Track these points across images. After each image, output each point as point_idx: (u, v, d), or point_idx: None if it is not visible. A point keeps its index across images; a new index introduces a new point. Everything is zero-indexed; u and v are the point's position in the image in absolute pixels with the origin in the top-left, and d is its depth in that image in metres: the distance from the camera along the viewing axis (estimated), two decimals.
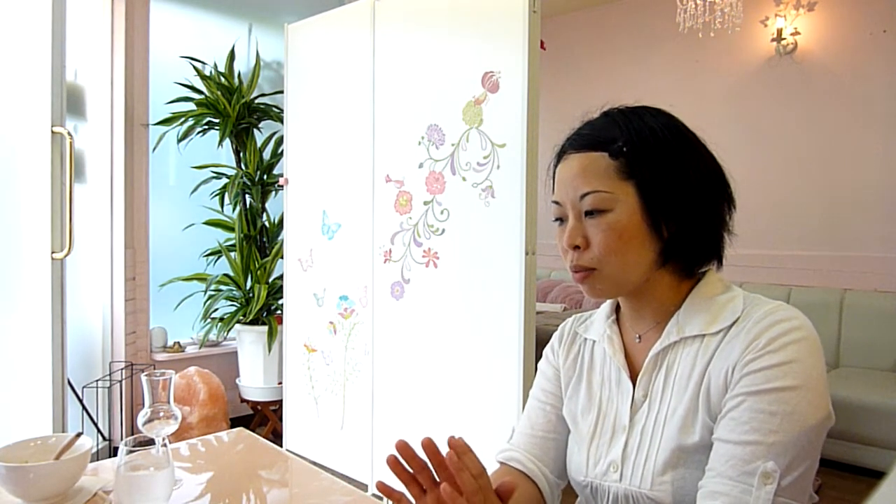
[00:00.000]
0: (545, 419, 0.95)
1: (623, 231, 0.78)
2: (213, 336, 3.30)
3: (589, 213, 0.80)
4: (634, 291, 0.84)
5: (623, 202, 0.78)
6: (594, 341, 0.92)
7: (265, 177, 3.35)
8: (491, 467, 0.95)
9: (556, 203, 0.85)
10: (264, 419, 3.31)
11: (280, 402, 3.04)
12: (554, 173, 0.87)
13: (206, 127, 3.25)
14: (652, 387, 0.82)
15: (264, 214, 3.36)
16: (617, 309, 0.92)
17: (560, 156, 0.86)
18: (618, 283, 0.81)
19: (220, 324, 3.15)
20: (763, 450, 0.68)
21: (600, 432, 0.86)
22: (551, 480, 0.93)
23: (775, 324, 0.73)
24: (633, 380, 0.84)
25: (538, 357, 1.03)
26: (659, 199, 0.78)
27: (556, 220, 0.85)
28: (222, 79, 3.28)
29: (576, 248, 0.81)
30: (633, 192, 0.78)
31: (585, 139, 0.83)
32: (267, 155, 3.40)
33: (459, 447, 0.71)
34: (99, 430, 2.88)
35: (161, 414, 1.07)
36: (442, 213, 2.09)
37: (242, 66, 3.53)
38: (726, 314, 0.78)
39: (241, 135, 3.31)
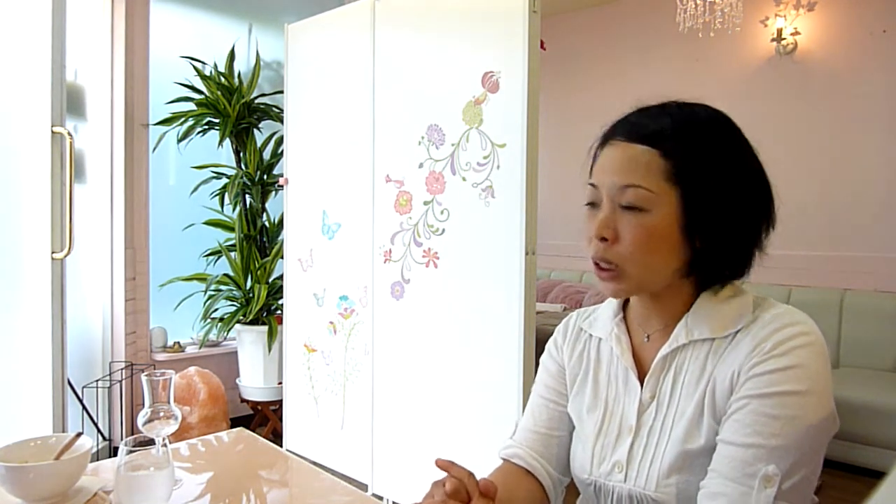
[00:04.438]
0: (548, 416, 0.94)
1: (656, 234, 0.76)
2: (213, 336, 3.30)
3: (626, 207, 0.77)
4: (653, 294, 0.83)
5: (663, 205, 0.76)
6: (600, 339, 0.92)
7: (265, 177, 3.35)
8: (493, 465, 0.95)
9: (593, 186, 0.82)
10: (264, 419, 3.30)
11: (280, 402, 3.04)
12: (596, 154, 0.84)
13: (206, 127, 3.25)
14: (660, 389, 0.81)
15: (264, 214, 3.36)
16: (623, 306, 0.91)
17: (608, 139, 0.82)
18: (639, 285, 0.80)
19: (220, 324, 3.15)
20: (765, 453, 0.68)
21: (606, 431, 0.85)
22: (554, 477, 0.93)
23: (782, 328, 0.73)
24: (641, 380, 0.83)
25: (538, 357, 1.02)
26: (700, 211, 0.76)
27: (589, 203, 0.82)
28: (222, 79, 3.28)
29: (603, 239, 0.78)
30: (676, 199, 0.76)
31: (639, 130, 0.79)
32: (267, 155, 3.40)
33: (444, 463, 0.79)
34: (99, 430, 2.88)
35: (161, 414, 1.07)
36: (442, 213, 2.09)
37: (242, 66, 3.53)
38: (736, 318, 0.77)
39: (241, 135, 3.31)
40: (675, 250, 0.78)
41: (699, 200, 0.76)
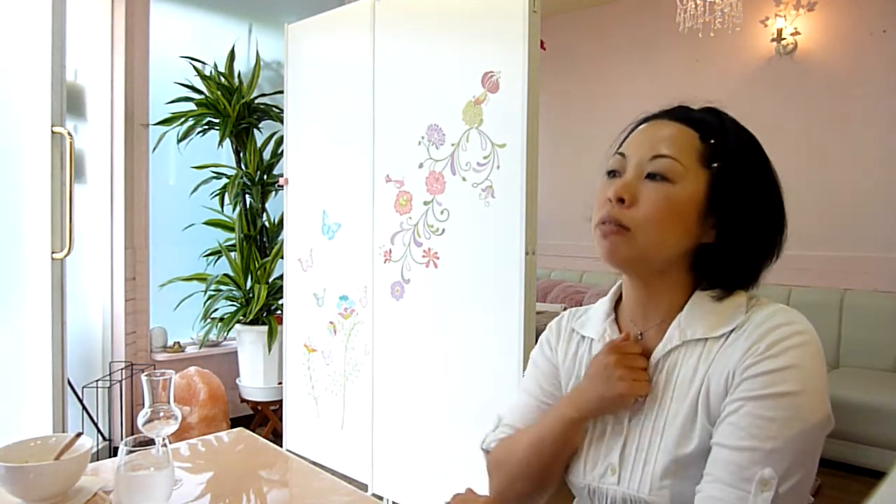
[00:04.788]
0: (538, 416, 0.92)
1: (675, 207, 0.76)
2: (213, 336, 3.30)
3: (651, 176, 0.78)
4: (648, 280, 0.82)
5: (690, 182, 0.77)
6: (592, 339, 0.90)
7: (265, 177, 3.35)
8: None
9: (620, 155, 0.82)
10: (264, 419, 3.31)
11: (280, 402, 3.04)
12: (629, 132, 0.86)
13: (206, 127, 3.25)
14: (651, 390, 0.80)
15: (264, 214, 3.36)
16: (615, 307, 0.91)
17: (647, 119, 0.85)
18: (642, 254, 0.78)
19: (220, 324, 3.15)
20: (761, 456, 0.68)
21: (599, 434, 0.84)
22: None
23: (776, 328, 0.72)
24: None
25: None
26: (724, 199, 0.78)
27: (610, 172, 0.82)
28: (222, 79, 3.28)
29: (621, 201, 0.78)
30: (704, 180, 0.77)
31: (684, 113, 0.82)
32: (267, 155, 3.40)
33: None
34: (99, 430, 2.88)
35: (161, 414, 1.07)
36: (442, 213, 2.09)
37: (242, 66, 3.53)
38: (729, 318, 0.77)
39: (241, 135, 3.31)
40: (689, 231, 0.78)
41: (725, 189, 0.78)
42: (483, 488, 0.86)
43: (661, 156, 0.78)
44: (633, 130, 0.85)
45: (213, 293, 3.20)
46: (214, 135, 3.25)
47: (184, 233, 3.29)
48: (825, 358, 0.74)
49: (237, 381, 3.28)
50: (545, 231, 2.03)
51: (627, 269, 0.83)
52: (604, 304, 0.92)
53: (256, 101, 3.33)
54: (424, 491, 2.13)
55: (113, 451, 2.92)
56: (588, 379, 0.83)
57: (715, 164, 0.78)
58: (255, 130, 3.36)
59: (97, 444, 2.88)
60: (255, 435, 1.39)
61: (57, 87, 1.76)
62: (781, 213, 0.82)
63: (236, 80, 3.34)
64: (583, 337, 0.92)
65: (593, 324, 0.91)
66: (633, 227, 0.77)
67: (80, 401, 2.75)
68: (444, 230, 2.09)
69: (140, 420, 1.06)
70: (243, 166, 3.33)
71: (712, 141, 0.78)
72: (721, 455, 0.70)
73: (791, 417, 0.68)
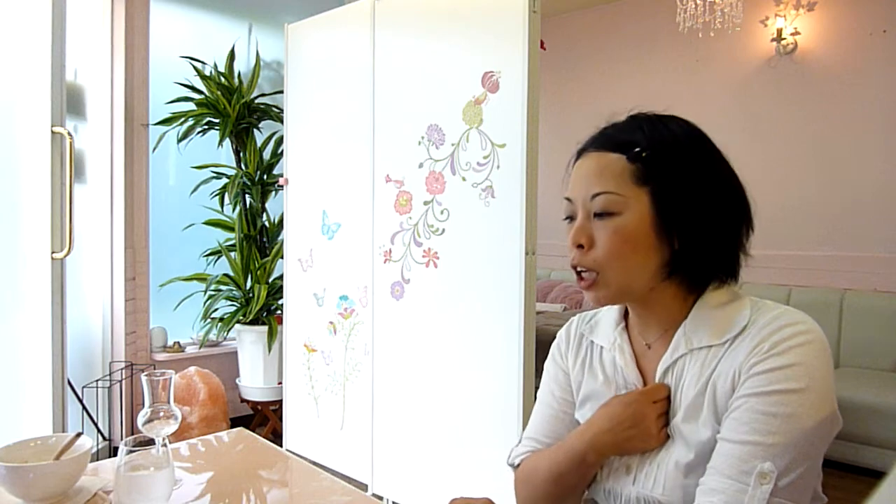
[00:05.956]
0: (556, 425, 0.94)
1: (629, 236, 0.78)
2: (213, 336, 3.30)
3: (598, 215, 0.80)
4: (640, 300, 0.83)
5: (633, 208, 0.78)
6: (602, 346, 0.91)
7: (265, 177, 3.35)
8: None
9: (568, 200, 0.84)
10: (264, 419, 3.31)
11: (280, 402, 3.04)
12: (570, 170, 0.87)
13: (206, 127, 3.25)
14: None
15: (264, 214, 3.36)
16: (625, 314, 0.91)
17: (580, 153, 0.86)
18: (620, 290, 0.80)
19: (220, 324, 3.15)
20: (761, 450, 0.68)
21: None
22: None
23: (781, 328, 0.73)
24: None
25: (538, 357, 1.02)
26: (672, 208, 0.78)
27: (567, 217, 0.85)
28: (222, 79, 3.28)
29: (580, 246, 0.81)
30: (646, 199, 0.78)
31: (607, 139, 0.83)
32: (267, 155, 3.40)
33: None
34: (99, 430, 2.88)
35: (161, 414, 1.07)
36: (442, 213, 2.09)
37: (242, 66, 3.53)
38: (733, 324, 0.77)
39: (241, 135, 3.31)
40: (651, 251, 0.79)
41: (669, 198, 0.78)
42: (480, 490, 0.86)
43: (598, 193, 0.79)
44: (572, 166, 0.87)
45: (213, 293, 3.19)
46: (214, 135, 3.25)
47: (184, 233, 3.29)
48: None
49: (237, 380, 3.28)
50: (545, 231, 2.03)
51: (617, 303, 0.87)
52: (613, 311, 0.92)
53: (256, 101, 3.33)
54: (424, 491, 2.13)
55: (113, 451, 2.92)
56: (630, 431, 0.80)
57: (650, 180, 0.78)
58: (255, 130, 3.36)
59: (97, 444, 2.88)
60: (255, 435, 1.39)
61: (57, 87, 1.76)
62: (738, 194, 0.82)
63: (236, 80, 3.33)
64: (592, 342, 0.93)
65: (603, 331, 0.92)
66: (598, 268, 0.80)
67: (80, 401, 2.75)
68: (444, 230, 2.09)
69: (140, 420, 1.06)
70: (243, 166, 3.33)
71: (643, 155, 0.78)
72: (723, 449, 0.72)
73: (793, 414, 0.69)
